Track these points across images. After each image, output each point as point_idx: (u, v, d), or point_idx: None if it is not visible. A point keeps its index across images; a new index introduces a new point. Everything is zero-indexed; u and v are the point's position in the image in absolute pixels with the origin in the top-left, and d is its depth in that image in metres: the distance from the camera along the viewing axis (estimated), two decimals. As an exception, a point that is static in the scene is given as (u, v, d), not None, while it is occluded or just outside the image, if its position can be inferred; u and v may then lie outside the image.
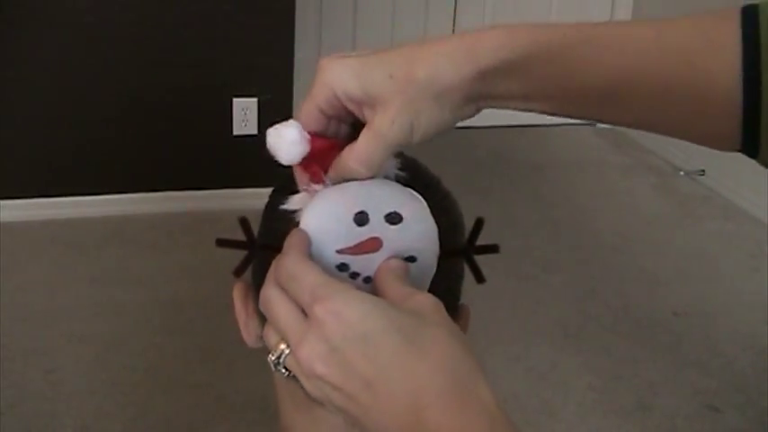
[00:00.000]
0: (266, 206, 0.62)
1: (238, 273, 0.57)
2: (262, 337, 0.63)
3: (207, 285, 2.51)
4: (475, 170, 3.73)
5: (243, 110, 3.09)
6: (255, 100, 3.08)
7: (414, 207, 0.54)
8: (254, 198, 0.62)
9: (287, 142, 0.55)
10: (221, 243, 0.56)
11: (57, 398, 2.17)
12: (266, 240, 0.58)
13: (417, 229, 0.53)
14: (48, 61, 2.95)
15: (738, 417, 2.25)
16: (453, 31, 4.09)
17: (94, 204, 3.10)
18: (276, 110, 3.01)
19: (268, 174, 0.60)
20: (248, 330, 0.64)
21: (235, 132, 3.08)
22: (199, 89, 3.07)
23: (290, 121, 0.55)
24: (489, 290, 3.14)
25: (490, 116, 3.28)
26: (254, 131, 3.09)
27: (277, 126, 0.55)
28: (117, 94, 3.02)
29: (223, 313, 0.65)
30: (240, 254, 0.56)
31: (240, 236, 0.56)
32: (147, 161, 3.14)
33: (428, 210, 0.54)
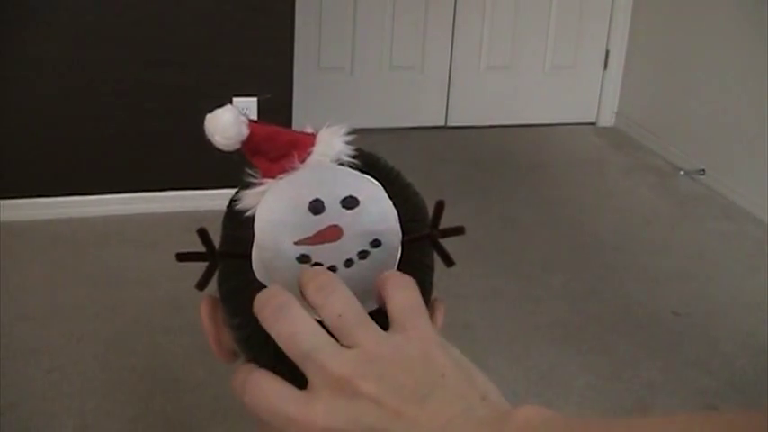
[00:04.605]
0: (225, 214, 0.60)
1: (201, 286, 0.56)
2: (235, 352, 0.61)
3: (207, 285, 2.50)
4: (475, 170, 3.72)
5: (243, 110, 3.07)
6: (255, 100, 3.08)
7: (368, 189, 0.52)
8: (254, 197, 0.62)
9: (222, 125, 0.54)
10: (182, 257, 0.55)
11: (57, 398, 2.17)
12: (227, 249, 0.58)
13: (376, 211, 0.51)
14: (48, 61, 2.95)
15: (738, 417, 2.25)
16: (453, 31, 4.09)
17: (94, 204, 3.10)
18: (276, 110, 3.01)
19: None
20: (221, 345, 0.62)
21: (235, 132, 3.07)
22: (199, 89, 3.07)
23: (227, 105, 0.55)
24: (489, 290, 3.14)
25: (490, 116, 3.30)
26: (254, 131, 3.09)
27: (214, 111, 0.55)
28: (117, 94, 3.03)
29: (223, 313, 0.64)
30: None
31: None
32: (147, 161, 3.14)
33: (383, 191, 0.53)
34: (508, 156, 3.94)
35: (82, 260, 2.82)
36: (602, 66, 4.31)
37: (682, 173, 3.76)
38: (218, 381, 2.24)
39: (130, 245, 2.93)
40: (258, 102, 3.08)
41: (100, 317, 2.51)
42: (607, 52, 4.29)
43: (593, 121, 4.38)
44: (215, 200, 3.13)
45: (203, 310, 0.62)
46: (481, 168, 3.76)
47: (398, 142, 3.80)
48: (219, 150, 0.55)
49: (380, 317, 0.54)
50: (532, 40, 4.20)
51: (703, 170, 3.67)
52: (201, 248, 0.56)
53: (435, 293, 0.62)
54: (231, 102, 3.07)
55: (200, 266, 0.57)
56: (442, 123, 4.17)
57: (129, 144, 3.10)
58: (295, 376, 0.57)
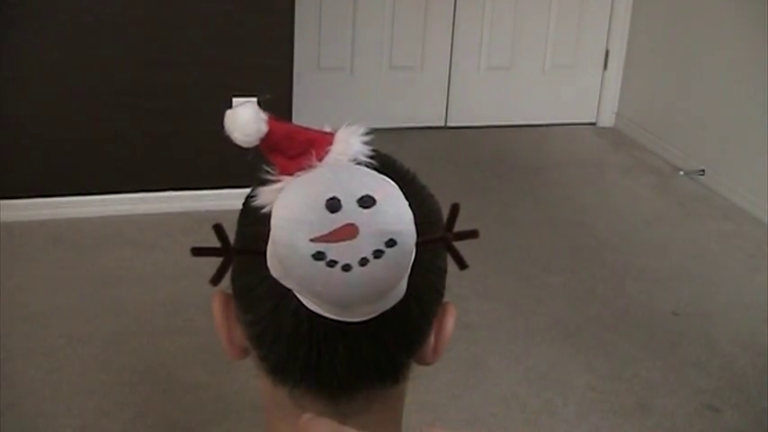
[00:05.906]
0: (241, 211, 0.61)
1: (215, 281, 0.56)
2: (246, 349, 0.62)
3: (207, 285, 2.50)
4: (475, 170, 3.72)
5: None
6: (255, 100, 3.08)
7: (385, 189, 0.52)
8: (254, 198, 0.62)
9: (242, 122, 0.54)
10: (197, 251, 0.55)
11: (57, 398, 2.17)
12: (242, 245, 0.58)
13: (392, 211, 0.51)
14: (48, 61, 2.95)
15: (738, 417, 2.25)
16: (453, 31, 4.09)
17: (94, 204, 3.10)
18: (276, 109, 2.98)
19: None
20: (232, 342, 0.62)
21: (235, 132, 3.07)
22: (199, 89, 3.07)
23: (247, 102, 0.55)
24: (489, 290, 3.15)
25: (490, 116, 3.31)
26: (254, 131, 3.09)
27: (234, 108, 0.55)
28: (116, 94, 3.03)
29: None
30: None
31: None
32: (147, 161, 3.14)
33: (400, 191, 0.53)
34: (508, 156, 3.94)
35: (82, 260, 2.82)
36: (602, 66, 4.31)
37: (681, 173, 3.76)
38: (218, 381, 2.24)
39: (130, 245, 2.93)
40: (258, 102, 3.09)
41: (100, 317, 2.51)
42: (607, 52, 4.29)
43: (592, 121, 4.38)
44: (215, 200, 3.14)
45: (215, 305, 0.62)
46: (481, 168, 3.76)
47: (398, 142, 3.79)
48: (239, 147, 0.55)
49: (395, 319, 0.55)
50: (532, 40, 4.20)
51: (703, 170, 3.67)
52: (213, 244, 0.56)
53: None
54: (231, 102, 3.07)
55: (203, 266, 0.57)
56: (442, 123, 4.17)
57: (129, 144, 3.10)
58: (303, 376, 0.57)
